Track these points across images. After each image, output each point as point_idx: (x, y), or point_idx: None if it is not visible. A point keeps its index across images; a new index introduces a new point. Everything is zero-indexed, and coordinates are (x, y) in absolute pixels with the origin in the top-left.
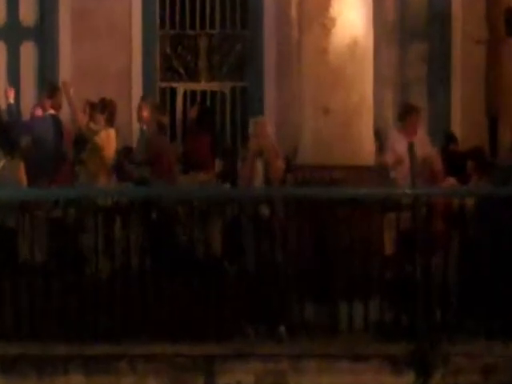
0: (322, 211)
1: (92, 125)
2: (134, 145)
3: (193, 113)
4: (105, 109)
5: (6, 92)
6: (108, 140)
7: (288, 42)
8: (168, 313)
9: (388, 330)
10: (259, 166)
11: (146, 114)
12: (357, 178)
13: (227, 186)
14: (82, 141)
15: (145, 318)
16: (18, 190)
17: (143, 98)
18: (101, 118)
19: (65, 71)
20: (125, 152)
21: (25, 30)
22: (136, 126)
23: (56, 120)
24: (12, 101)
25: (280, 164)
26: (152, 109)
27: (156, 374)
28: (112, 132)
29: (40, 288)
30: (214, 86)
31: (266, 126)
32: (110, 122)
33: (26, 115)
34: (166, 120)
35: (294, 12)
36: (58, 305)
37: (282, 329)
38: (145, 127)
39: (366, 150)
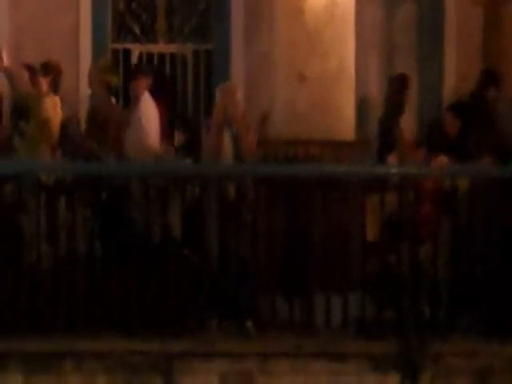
0: (296, 192)
1: (34, 91)
2: (82, 114)
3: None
4: (48, 72)
5: None
6: (53, 108)
7: (258, 1)
8: (120, 305)
9: (370, 327)
10: (227, 138)
11: (93, 76)
12: (335, 155)
13: (188, 161)
14: (22, 109)
15: (93, 311)
16: None
17: (94, 61)
18: (43, 83)
19: (2, 30)
20: (71, 122)
21: None
22: (84, 92)
23: None
24: None
25: (251, 137)
26: (100, 69)
27: (107, 373)
28: (57, 99)
29: None
30: (173, 48)
31: (235, 93)
32: (55, 87)
33: None
34: (116, 82)
35: None
36: None
37: (250, 324)
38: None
39: (345, 122)
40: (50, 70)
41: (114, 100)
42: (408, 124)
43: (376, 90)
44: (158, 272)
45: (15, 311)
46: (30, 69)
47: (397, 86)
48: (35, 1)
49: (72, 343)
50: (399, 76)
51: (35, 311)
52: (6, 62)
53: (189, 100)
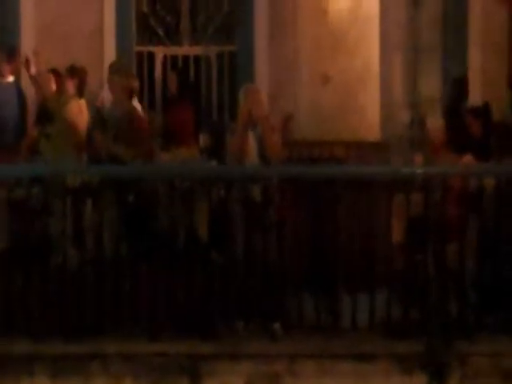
0: (321, 193)
1: (59, 95)
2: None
3: (172, 81)
4: (74, 76)
5: None
6: (79, 111)
7: (282, 1)
8: (147, 307)
9: (397, 327)
10: (252, 140)
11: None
12: (360, 155)
13: (213, 163)
14: (48, 112)
15: (120, 314)
16: None
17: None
18: (69, 87)
19: (27, 33)
20: (97, 124)
21: None
22: (109, 95)
23: (18, 87)
24: None
25: (276, 138)
26: (122, 75)
27: (133, 375)
28: (83, 102)
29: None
30: (197, 50)
31: (260, 94)
32: (80, 91)
33: None
34: (136, 85)
35: None
36: (21, 298)
37: (277, 326)
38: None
39: (370, 123)
40: (76, 73)
41: (138, 105)
42: (438, 124)
43: (400, 90)
44: (185, 274)
45: (42, 313)
46: (56, 73)
47: (458, 88)
48: (59, 3)
49: (99, 345)
50: (460, 78)
51: (62, 313)
52: (33, 69)
53: (213, 102)
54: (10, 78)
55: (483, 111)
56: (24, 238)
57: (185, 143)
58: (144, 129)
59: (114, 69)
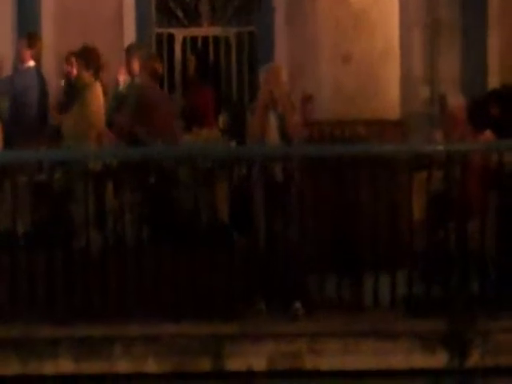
0: (342, 172)
1: (80, 79)
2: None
3: (191, 63)
4: (90, 60)
5: None
6: (98, 95)
7: None
8: (169, 289)
9: (418, 305)
10: (272, 119)
11: (136, 66)
12: (381, 134)
13: (234, 143)
14: (70, 97)
15: (142, 296)
16: None
17: (129, 50)
18: (87, 71)
19: (47, 18)
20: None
21: None
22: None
23: (39, 72)
24: None
25: (297, 118)
26: (143, 59)
27: (156, 357)
28: (99, 86)
29: (23, 263)
30: (217, 31)
31: (280, 74)
32: (96, 74)
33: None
34: (160, 68)
35: None
36: (44, 282)
37: (298, 305)
38: (137, 80)
39: (391, 101)
40: (91, 58)
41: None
42: (458, 101)
43: (420, 67)
44: (207, 255)
45: (65, 297)
46: (77, 58)
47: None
48: None
49: (121, 328)
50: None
51: (85, 296)
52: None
53: (233, 83)
54: (31, 63)
55: (504, 95)
56: (47, 222)
57: (206, 124)
58: (155, 106)
59: (134, 49)
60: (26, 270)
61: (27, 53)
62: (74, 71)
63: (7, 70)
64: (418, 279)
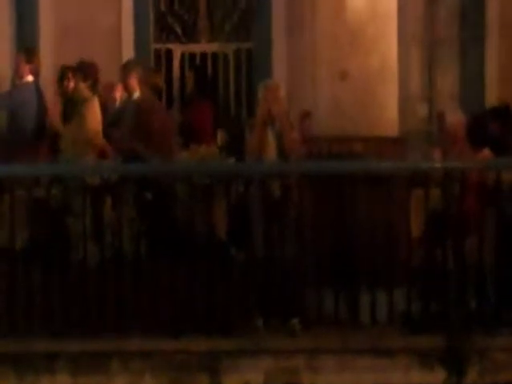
0: (340, 188)
1: (78, 94)
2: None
3: (189, 79)
4: (88, 75)
5: None
6: (95, 110)
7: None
8: (166, 304)
9: (416, 322)
10: (270, 136)
11: (134, 83)
12: (379, 151)
13: (232, 160)
14: (68, 111)
15: (140, 311)
16: None
17: (126, 66)
18: (85, 86)
19: (45, 34)
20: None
21: None
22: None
23: (37, 87)
24: None
25: (295, 134)
26: (142, 75)
27: (153, 373)
28: (96, 100)
29: (20, 277)
30: (215, 47)
31: (278, 91)
32: (94, 88)
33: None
34: (161, 83)
35: None
36: (41, 296)
37: (296, 321)
38: (135, 95)
39: (389, 118)
40: (89, 72)
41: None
42: (457, 118)
43: (418, 85)
44: (205, 271)
45: (62, 311)
46: (72, 71)
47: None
48: (78, 2)
49: (119, 343)
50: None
51: (82, 311)
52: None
53: (231, 99)
54: (30, 78)
55: (503, 112)
56: (44, 236)
57: (203, 141)
58: (153, 122)
59: (131, 65)
60: (24, 283)
61: (25, 67)
62: (71, 85)
63: (6, 86)
64: (415, 296)
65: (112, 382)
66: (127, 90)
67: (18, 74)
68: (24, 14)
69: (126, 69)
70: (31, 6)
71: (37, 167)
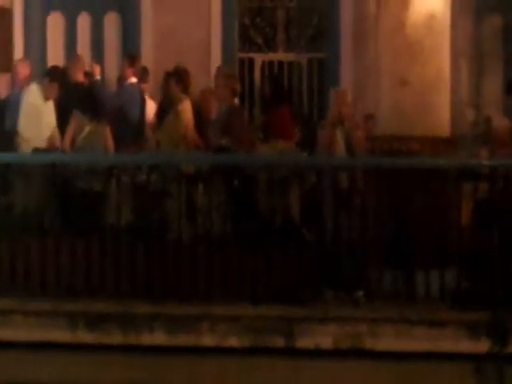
0: (399, 181)
1: (175, 94)
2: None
3: (268, 84)
4: (181, 78)
5: (92, 68)
6: (188, 109)
7: (365, 16)
8: (249, 276)
9: (465, 298)
10: (339, 135)
11: (219, 82)
12: (433, 149)
13: (305, 154)
14: (165, 109)
15: (226, 281)
16: (104, 155)
17: (218, 69)
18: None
19: (146, 42)
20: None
21: (108, 0)
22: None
23: (140, 88)
24: (98, 77)
25: (360, 134)
26: (225, 77)
27: (237, 335)
28: (188, 102)
29: (125, 250)
30: (291, 57)
31: (347, 96)
32: (185, 91)
33: (110, 85)
34: (239, 88)
35: None
36: (143, 266)
37: (360, 293)
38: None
39: (442, 121)
40: (182, 77)
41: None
42: (503, 123)
43: (467, 92)
44: (282, 249)
45: (161, 280)
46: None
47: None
48: (174, 17)
49: (208, 308)
50: None
51: (177, 280)
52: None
53: (304, 103)
54: (133, 80)
55: None
56: (145, 216)
57: (282, 137)
58: (243, 121)
59: (222, 71)
60: (128, 255)
61: (129, 70)
62: (168, 87)
63: (113, 86)
64: (464, 275)
65: (201, 342)
66: (217, 95)
67: (123, 76)
68: (128, 26)
69: (217, 73)
70: (134, 19)
71: (139, 156)
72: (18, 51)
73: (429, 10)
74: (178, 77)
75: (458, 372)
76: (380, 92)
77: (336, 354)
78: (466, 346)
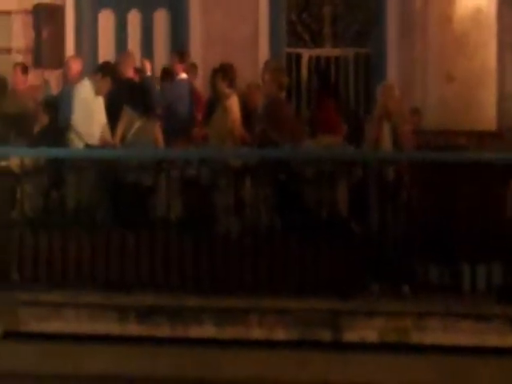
0: (445, 175)
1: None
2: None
3: (316, 78)
4: (226, 75)
5: (142, 64)
6: (235, 104)
7: (411, 11)
8: (296, 270)
9: (510, 293)
10: (386, 129)
11: (267, 76)
12: (479, 143)
13: (351, 148)
14: (213, 104)
15: (274, 274)
16: (154, 150)
17: (266, 63)
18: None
19: (195, 38)
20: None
21: None
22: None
23: (190, 84)
24: (149, 73)
25: (407, 128)
26: (273, 71)
27: (284, 327)
28: (235, 97)
29: (175, 243)
30: (337, 52)
31: (393, 90)
32: (232, 86)
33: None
34: (286, 81)
35: None
36: (191, 259)
37: (406, 287)
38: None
39: (488, 115)
40: (227, 73)
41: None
42: None
43: None
44: (328, 243)
45: (209, 273)
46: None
47: None
48: (222, 14)
49: (256, 301)
50: None
51: (226, 272)
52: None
53: (350, 97)
54: (183, 76)
55: None
56: (194, 209)
57: (328, 132)
58: (288, 114)
59: (270, 65)
60: (177, 248)
61: (179, 66)
62: (214, 83)
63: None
64: (510, 269)
65: (250, 334)
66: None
67: (173, 72)
68: (177, 23)
69: (265, 67)
70: (183, 15)
71: (188, 151)
72: (70, 48)
73: (475, 3)
74: (223, 72)
75: (503, 366)
76: (426, 86)
77: (382, 347)
78: (510, 341)
